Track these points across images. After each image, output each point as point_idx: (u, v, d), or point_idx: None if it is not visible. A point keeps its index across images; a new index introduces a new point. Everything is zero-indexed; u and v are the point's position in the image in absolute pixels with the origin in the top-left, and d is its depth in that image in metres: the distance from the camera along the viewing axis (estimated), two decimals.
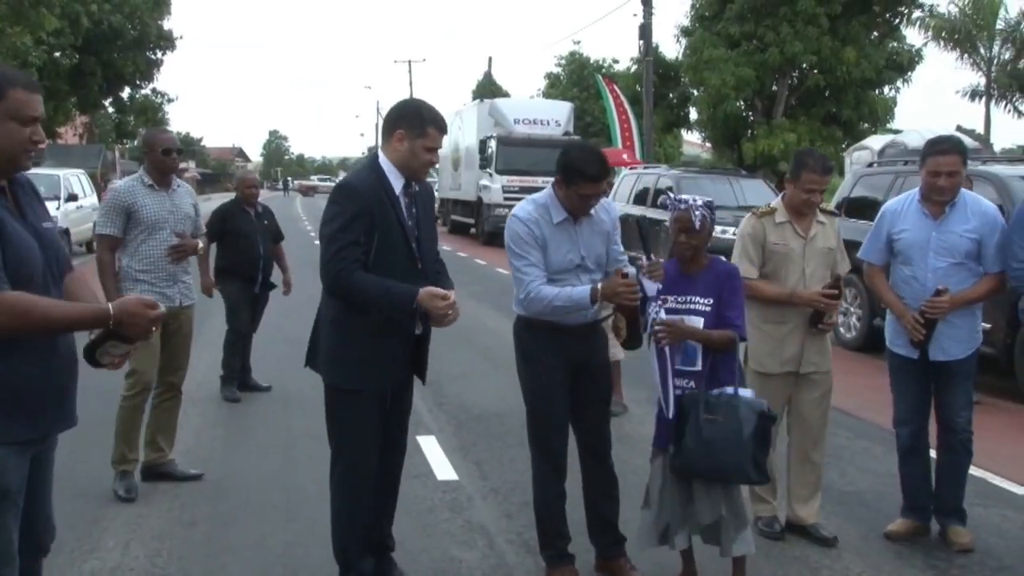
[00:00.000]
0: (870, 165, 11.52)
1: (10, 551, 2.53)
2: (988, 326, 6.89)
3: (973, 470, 4.62)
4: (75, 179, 19.21)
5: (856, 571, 4.15)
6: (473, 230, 25.11)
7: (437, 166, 23.85)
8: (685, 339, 3.66)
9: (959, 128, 21.35)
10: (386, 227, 3.45)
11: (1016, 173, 8.73)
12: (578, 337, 3.84)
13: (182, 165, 53.58)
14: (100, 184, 24.34)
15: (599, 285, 3.69)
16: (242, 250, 7.12)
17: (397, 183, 3.51)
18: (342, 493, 3.63)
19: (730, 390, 3.64)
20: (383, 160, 3.53)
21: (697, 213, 3.70)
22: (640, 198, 15.52)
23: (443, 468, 5.49)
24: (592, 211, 3.81)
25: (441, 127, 3.53)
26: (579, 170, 3.70)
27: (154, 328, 2.60)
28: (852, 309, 9.78)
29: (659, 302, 3.63)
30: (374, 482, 3.65)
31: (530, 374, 3.88)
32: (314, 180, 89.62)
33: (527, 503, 4.74)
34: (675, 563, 3.89)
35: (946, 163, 4.28)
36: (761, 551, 4.06)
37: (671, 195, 3.83)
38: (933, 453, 4.56)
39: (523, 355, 3.91)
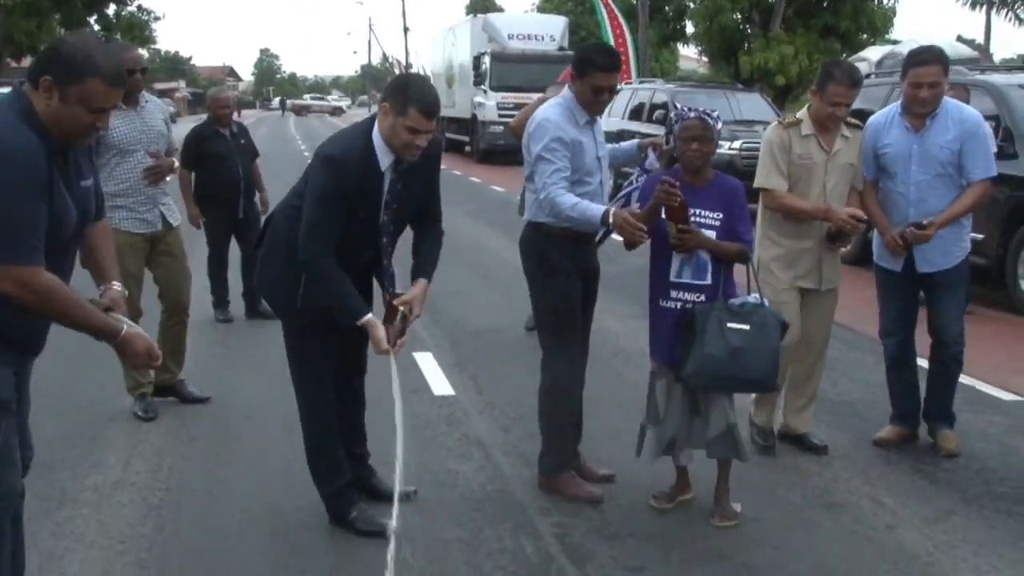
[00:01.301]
0: (866, 77, 11.37)
1: (14, 457, 2.61)
2: (980, 236, 6.93)
3: (962, 378, 4.67)
4: None
5: (845, 477, 4.23)
6: (468, 148, 24.88)
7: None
8: (700, 248, 3.63)
9: (959, 38, 21.10)
10: (363, 204, 3.40)
11: (1014, 82, 8.64)
12: (591, 245, 4.01)
13: (172, 84, 52.71)
14: None
15: (612, 209, 3.71)
16: (220, 174, 6.88)
17: (385, 159, 3.37)
18: (309, 421, 3.68)
19: (753, 298, 3.63)
20: (375, 133, 3.37)
21: (711, 119, 3.69)
22: (635, 113, 15.35)
23: (440, 383, 5.55)
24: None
25: (426, 110, 3.26)
26: (591, 59, 3.78)
27: (148, 360, 2.67)
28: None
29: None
30: (336, 406, 3.69)
31: (553, 281, 3.91)
32: (307, 99, 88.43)
33: (522, 417, 4.84)
34: (669, 475, 3.95)
35: (927, 74, 4.20)
36: (752, 459, 4.13)
37: (679, 106, 3.79)
38: (923, 362, 4.61)
39: (542, 264, 3.94)
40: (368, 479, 3.92)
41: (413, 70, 63.41)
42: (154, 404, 4.97)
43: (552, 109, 3.87)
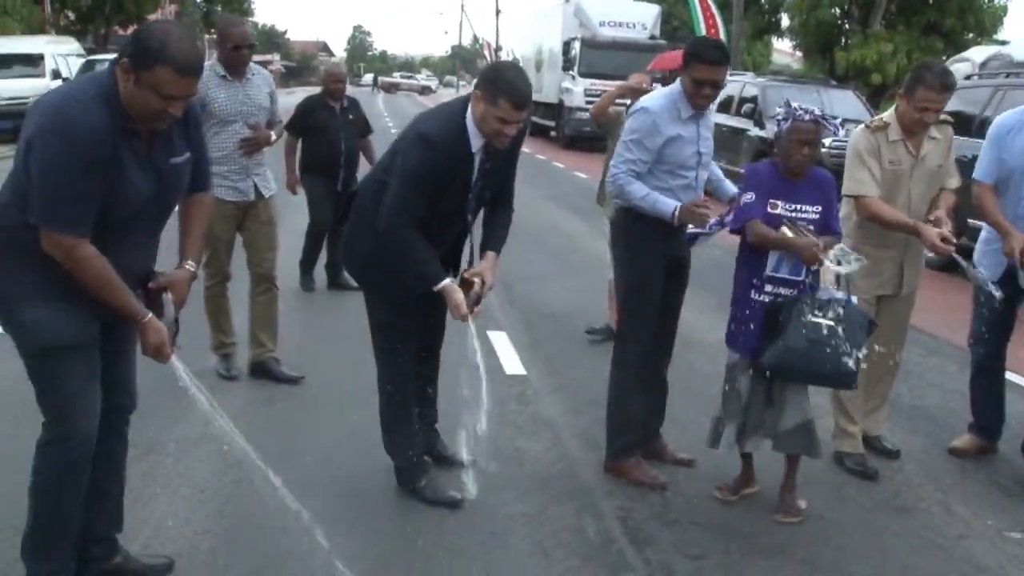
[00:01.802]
0: (967, 78, 11.02)
1: (78, 401, 2.78)
2: None
3: None
4: None
5: (916, 483, 4.18)
6: (553, 133, 24.87)
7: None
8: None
9: None
10: (454, 184, 3.48)
11: None
12: (680, 234, 3.99)
13: (267, 57, 53.79)
14: None
15: (678, 208, 3.77)
16: (323, 146, 7.01)
17: (476, 142, 3.45)
18: (388, 392, 3.78)
19: (841, 295, 3.57)
20: (469, 115, 3.44)
21: (830, 124, 3.61)
22: (724, 106, 15.14)
23: (512, 363, 5.62)
24: (708, 111, 3.89)
25: (516, 102, 3.32)
26: (695, 52, 3.79)
27: (158, 354, 2.80)
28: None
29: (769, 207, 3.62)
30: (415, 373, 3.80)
31: (635, 263, 3.98)
32: (396, 77, 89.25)
33: (592, 401, 4.89)
34: (735, 467, 3.95)
35: None
36: (822, 458, 4.10)
37: (789, 103, 3.67)
38: (1011, 375, 4.49)
39: (628, 246, 4.01)
40: (434, 443, 4.03)
41: (503, 52, 63.55)
42: (236, 364, 5.15)
43: (657, 100, 3.89)
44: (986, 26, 25.93)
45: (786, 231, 3.56)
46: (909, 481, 4.19)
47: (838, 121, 3.67)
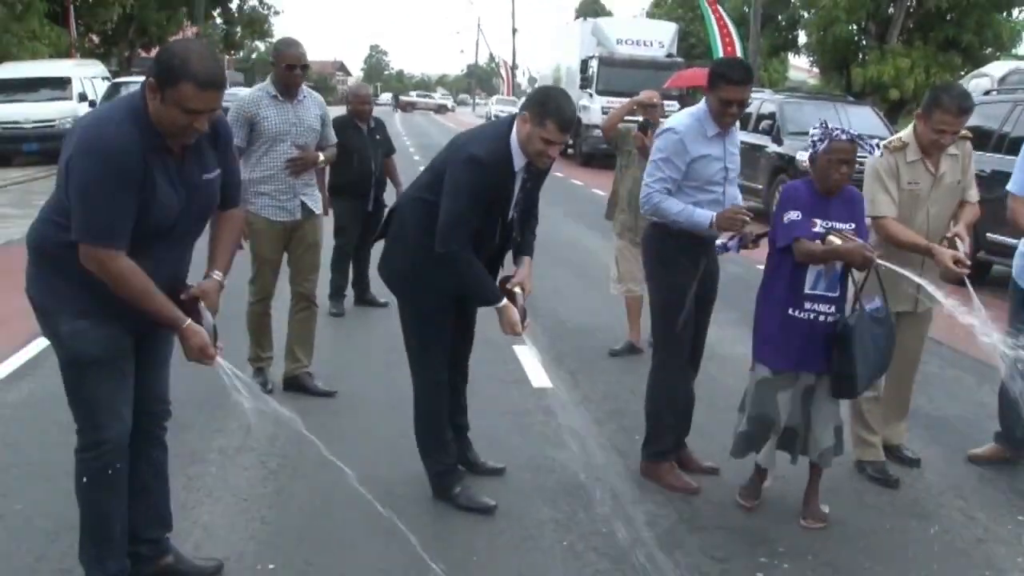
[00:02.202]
0: (986, 93, 11.11)
1: (117, 410, 2.92)
2: None
3: None
4: None
5: (937, 490, 4.27)
6: (571, 150, 25.06)
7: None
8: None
9: None
10: (498, 202, 3.65)
11: None
12: (709, 245, 4.10)
13: None
14: None
15: (715, 216, 3.91)
16: (354, 167, 7.00)
17: (519, 161, 3.61)
18: (423, 402, 3.92)
19: (879, 302, 3.78)
20: (513, 136, 3.60)
21: (867, 145, 3.73)
22: (742, 123, 15.20)
23: (538, 376, 5.75)
24: (734, 128, 4.05)
25: (562, 124, 3.50)
26: (721, 72, 3.92)
27: (203, 357, 2.89)
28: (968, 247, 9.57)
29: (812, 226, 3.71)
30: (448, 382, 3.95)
31: (668, 276, 4.12)
32: (413, 96, 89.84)
33: (616, 411, 5.03)
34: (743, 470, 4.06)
35: None
36: (842, 466, 4.22)
37: (826, 123, 3.76)
38: None
39: (660, 259, 4.15)
40: (465, 451, 4.17)
41: (519, 71, 64.01)
42: (269, 379, 5.27)
43: (683, 120, 4.04)
44: (1004, 41, 25.94)
45: (833, 240, 3.63)
46: (930, 488, 4.29)
47: (875, 141, 3.77)
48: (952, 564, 3.60)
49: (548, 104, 3.51)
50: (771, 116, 14.64)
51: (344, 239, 7.32)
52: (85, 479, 2.98)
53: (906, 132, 4.30)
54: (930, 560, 3.62)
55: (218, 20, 39.85)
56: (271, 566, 3.39)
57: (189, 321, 2.86)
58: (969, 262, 4.05)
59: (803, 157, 11.05)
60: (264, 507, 3.85)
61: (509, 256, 3.93)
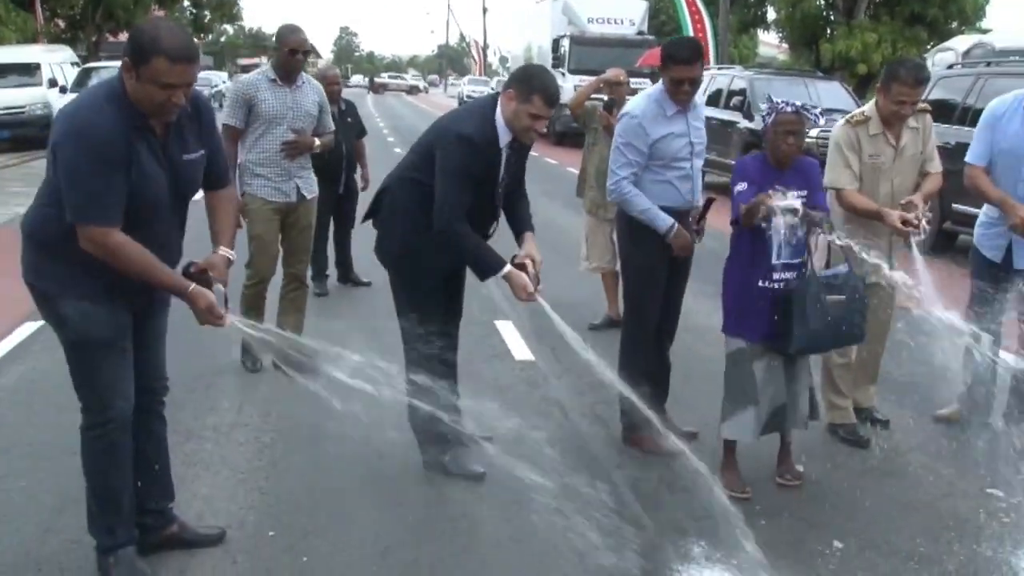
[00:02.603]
0: (950, 67, 11.34)
1: (121, 388, 3.05)
2: None
3: None
4: None
5: (905, 449, 4.48)
6: (544, 129, 25.11)
7: (508, 67, 24.04)
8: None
9: None
10: (486, 179, 3.79)
11: None
12: (681, 217, 4.28)
13: (254, 60, 53.53)
14: None
15: (675, 229, 4.15)
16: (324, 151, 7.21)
17: (504, 138, 3.75)
18: (412, 371, 4.00)
19: (844, 268, 3.89)
20: (498, 114, 3.73)
21: (811, 114, 3.85)
22: (713, 99, 15.44)
23: (520, 349, 5.91)
24: (696, 103, 4.22)
25: (548, 98, 3.65)
26: (669, 53, 4.11)
27: (214, 320, 2.97)
28: (926, 214, 9.80)
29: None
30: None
31: (638, 252, 4.31)
32: (384, 77, 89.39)
33: (597, 382, 5.14)
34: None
35: None
36: (816, 429, 4.40)
37: (773, 98, 3.92)
38: (1004, 354, 4.73)
39: (630, 236, 4.33)
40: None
41: (490, 51, 63.83)
42: (260, 359, 5.36)
43: (642, 102, 4.22)
44: (968, 15, 26.26)
45: (768, 200, 3.72)
46: (898, 447, 4.49)
47: (818, 111, 3.94)
48: (917, 516, 3.80)
49: (533, 80, 3.67)
50: (742, 92, 14.81)
51: (318, 218, 7.35)
52: (92, 456, 3.10)
53: (868, 106, 4.47)
54: (897, 513, 3.82)
55: (186, 3, 39.60)
56: (271, 533, 3.53)
57: (193, 285, 2.93)
58: (917, 223, 4.19)
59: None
60: (261, 479, 3.99)
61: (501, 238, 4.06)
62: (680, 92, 4.13)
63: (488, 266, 3.78)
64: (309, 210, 5.39)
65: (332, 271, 7.60)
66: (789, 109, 3.81)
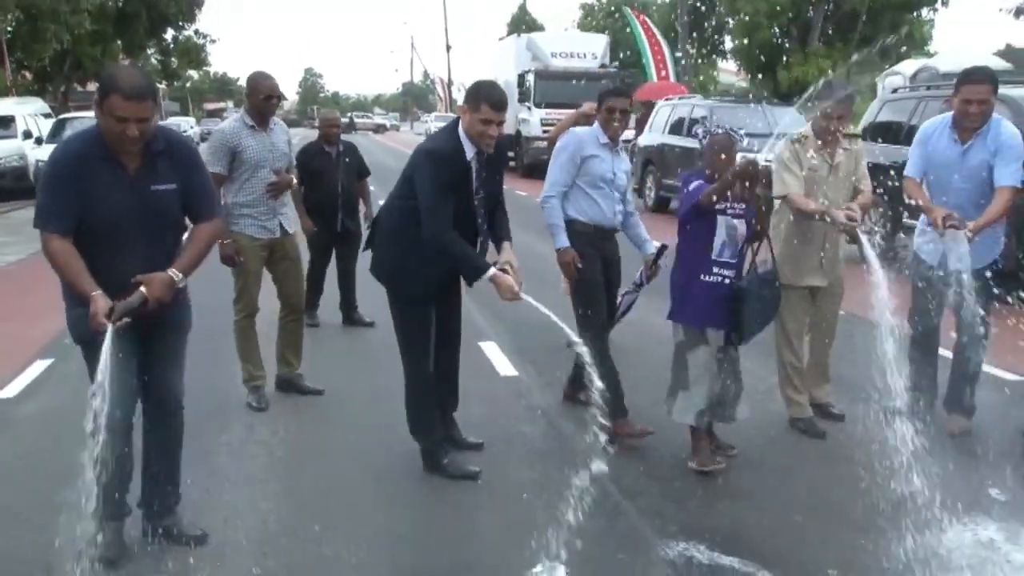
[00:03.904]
0: (895, 91, 12.01)
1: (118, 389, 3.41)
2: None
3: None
4: None
5: (858, 437, 4.93)
6: (512, 163, 25.71)
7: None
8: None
9: (1008, 47, 21.25)
10: (458, 189, 4.20)
11: None
12: (609, 240, 5.10)
13: (220, 104, 53.59)
14: None
15: (563, 250, 4.98)
16: (320, 190, 7.37)
17: (470, 151, 4.20)
18: (412, 385, 4.48)
19: (769, 265, 4.52)
20: (461, 130, 4.20)
21: (738, 135, 4.49)
22: (675, 128, 16.06)
23: (504, 366, 6.34)
24: (621, 153, 5.12)
25: (494, 103, 4.10)
26: (605, 91, 5.03)
27: (93, 322, 3.22)
28: (876, 228, 10.38)
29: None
30: (436, 369, 4.52)
31: (582, 269, 4.91)
32: (351, 117, 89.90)
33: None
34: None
35: (978, 92, 4.72)
36: (780, 422, 4.87)
37: (704, 124, 4.54)
38: (944, 351, 5.22)
39: (577, 249, 4.94)
40: (450, 429, 4.75)
41: (455, 87, 64.62)
42: (266, 396, 5.62)
43: (584, 128, 5.12)
44: (916, 40, 27.29)
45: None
46: (851, 438, 4.95)
47: (742, 132, 4.58)
48: (862, 492, 4.23)
49: (479, 92, 4.19)
50: (703, 120, 15.40)
51: (314, 255, 7.66)
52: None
53: (806, 128, 5.07)
54: (843, 491, 4.26)
55: (150, 52, 39.95)
56: (292, 531, 3.92)
57: (96, 292, 3.23)
58: (858, 218, 4.76)
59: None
60: (278, 487, 4.38)
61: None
62: (612, 120, 4.91)
63: (475, 269, 4.13)
64: (293, 243, 5.75)
65: (336, 312, 7.84)
66: (719, 131, 4.48)
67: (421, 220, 4.13)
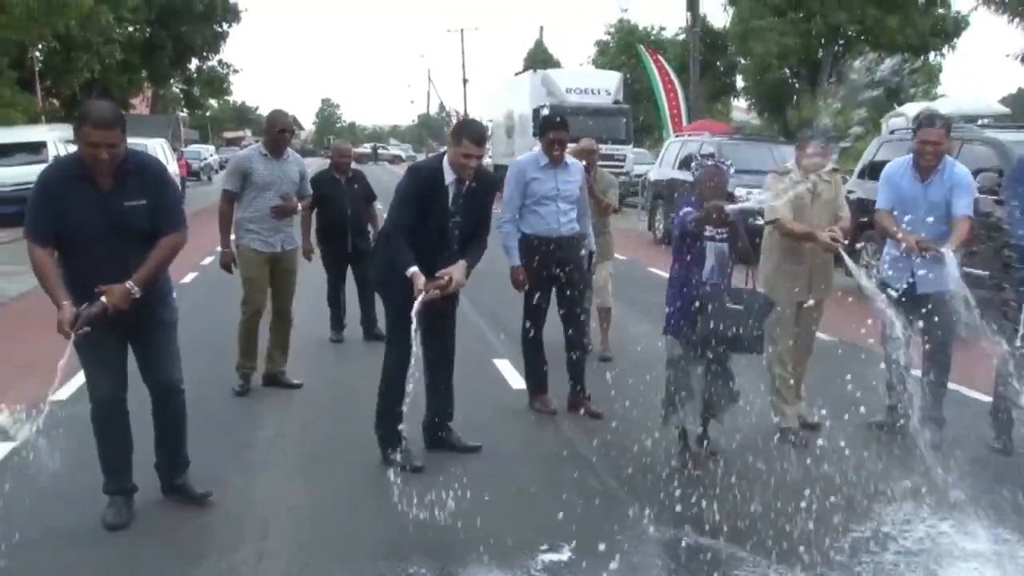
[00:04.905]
0: (892, 132, 12.55)
1: (93, 382, 4.15)
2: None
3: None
4: (159, 148, 20.96)
5: (834, 446, 5.37)
6: (475, 165, 26.15)
7: (490, 135, 25.15)
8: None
9: (1020, 90, 21.84)
10: (432, 204, 4.83)
11: (1017, 139, 9.70)
12: (557, 244, 5.87)
13: (239, 133, 54.62)
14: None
15: (515, 269, 5.83)
16: (330, 214, 7.94)
17: (450, 176, 4.86)
18: (390, 370, 4.96)
19: (750, 287, 4.98)
20: (446, 158, 4.86)
21: (726, 165, 5.09)
22: (684, 163, 16.60)
23: (516, 380, 6.82)
24: (569, 162, 5.94)
25: (475, 140, 4.78)
26: (545, 123, 5.95)
27: (68, 332, 3.73)
28: (872, 262, 10.87)
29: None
30: (432, 387, 5.08)
31: (530, 277, 5.84)
32: (366, 148, 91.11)
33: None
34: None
35: (932, 135, 5.31)
36: (760, 429, 5.34)
37: (698, 157, 5.05)
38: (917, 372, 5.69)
39: (526, 266, 5.76)
40: (448, 435, 5.26)
41: None
42: (249, 383, 6.44)
43: (527, 156, 5.99)
44: (922, 83, 27.85)
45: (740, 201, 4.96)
46: (830, 445, 5.39)
47: (728, 163, 5.17)
48: (830, 480, 4.69)
49: (464, 129, 4.90)
50: (711, 156, 15.94)
51: (330, 276, 8.24)
52: (92, 426, 4.21)
53: (791, 161, 5.67)
54: (818, 483, 4.68)
55: (173, 81, 40.90)
56: (317, 510, 4.43)
57: (64, 304, 3.75)
58: (842, 240, 5.31)
59: (740, 192, 12.32)
60: (308, 474, 4.91)
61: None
62: (553, 150, 5.78)
63: (402, 264, 4.71)
64: (292, 258, 6.55)
65: (357, 328, 8.32)
66: (710, 163, 5.06)
67: (388, 213, 4.83)
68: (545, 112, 24.64)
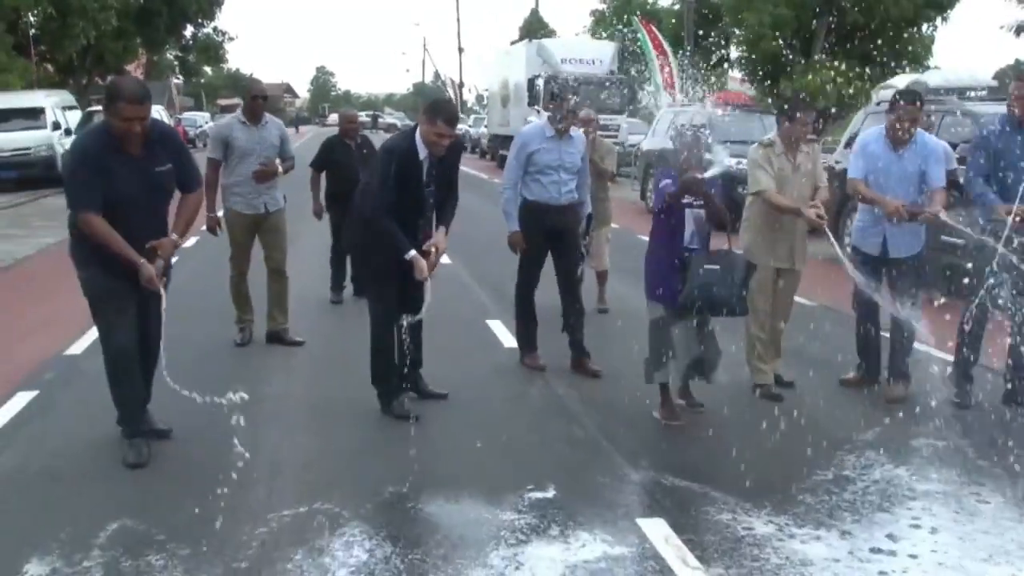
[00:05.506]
0: (878, 103, 12.77)
1: (111, 328, 4.50)
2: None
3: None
4: (157, 114, 21.00)
5: (809, 402, 5.72)
6: (447, 143, 26.29)
7: (485, 104, 25.35)
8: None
9: (1017, 62, 21.83)
10: (409, 180, 5.06)
11: (998, 111, 9.94)
12: (556, 212, 6.13)
13: (232, 100, 54.49)
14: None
15: (514, 234, 6.16)
16: (341, 178, 8.14)
17: (422, 152, 5.08)
18: (376, 333, 5.31)
19: (725, 247, 5.18)
20: (418, 133, 5.05)
21: (703, 134, 5.29)
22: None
23: (508, 339, 7.13)
24: (573, 134, 6.20)
25: (449, 120, 5.00)
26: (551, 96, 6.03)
27: (150, 285, 4.32)
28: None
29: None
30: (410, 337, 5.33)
31: (527, 238, 6.14)
32: (361, 115, 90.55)
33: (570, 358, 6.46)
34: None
35: (908, 109, 5.56)
36: (740, 390, 5.68)
37: (676, 126, 5.30)
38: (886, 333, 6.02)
39: (522, 227, 6.08)
40: (417, 381, 5.63)
41: (466, 89, 65.59)
42: (249, 336, 6.93)
43: (532, 126, 6.30)
44: (916, 54, 27.95)
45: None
46: (803, 401, 5.75)
47: (707, 132, 5.38)
48: (803, 433, 5.02)
49: (438, 109, 5.08)
50: (702, 127, 16.19)
51: (335, 239, 8.52)
52: (108, 370, 4.58)
53: (772, 133, 5.91)
54: (791, 439, 5.03)
55: (167, 49, 40.75)
56: (327, 455, 4.78)
57: (142, 261, 4.28)
58: (825, 216, 5.63)
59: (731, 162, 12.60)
60: (313, 425, 5.27)
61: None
62: (562, 120, 6.03)
63: (399, 249, 4.98)
64: (278, 218, 6.88)
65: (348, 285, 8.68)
66: (690, 132, 5.24)
67: (367, 198, 5.08)
68: (540, 82, 24.89)
